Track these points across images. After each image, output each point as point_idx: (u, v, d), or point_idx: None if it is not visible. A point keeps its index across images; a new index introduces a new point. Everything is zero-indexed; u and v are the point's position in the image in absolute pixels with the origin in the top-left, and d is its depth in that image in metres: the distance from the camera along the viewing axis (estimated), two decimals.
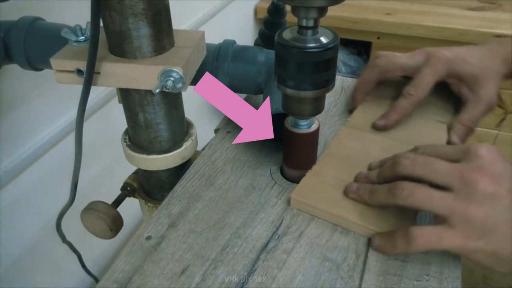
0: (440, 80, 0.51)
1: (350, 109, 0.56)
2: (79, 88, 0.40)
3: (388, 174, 0.39)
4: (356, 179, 0.43)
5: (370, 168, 0.44)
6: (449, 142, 0.48)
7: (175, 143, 0.49)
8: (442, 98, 0.54)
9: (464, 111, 0.50)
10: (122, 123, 0.49)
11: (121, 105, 0.47)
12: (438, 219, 0.36)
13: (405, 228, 0.37)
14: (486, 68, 0.50)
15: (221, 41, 0.51)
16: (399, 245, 0.36)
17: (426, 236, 0.35)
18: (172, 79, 0.40)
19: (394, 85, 0.54)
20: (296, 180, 0.45)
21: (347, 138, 0.50)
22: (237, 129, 0.54)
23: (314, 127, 0.43)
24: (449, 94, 0.54)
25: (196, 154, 0.52)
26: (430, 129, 0.50)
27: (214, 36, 0.69)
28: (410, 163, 0.37)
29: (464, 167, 0.35)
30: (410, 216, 0.39)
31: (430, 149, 0.39)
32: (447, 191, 0.35)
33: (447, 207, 0.35)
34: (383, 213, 0.40)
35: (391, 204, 0.38)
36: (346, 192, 0.42)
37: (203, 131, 0.66)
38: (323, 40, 0.37)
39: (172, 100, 0.46)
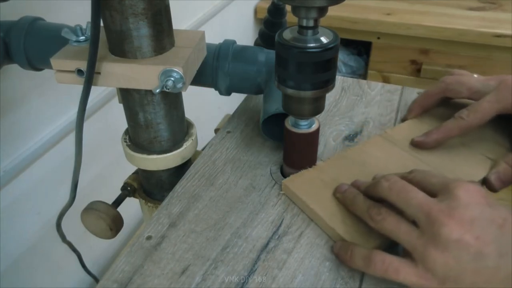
0: (507, 112, 0.45)
1: (403, 119, 0.54)
2: (79, 88, 0.40)
3: (372, 192, 0.38)
4: (351, 184, 0.42)
5: (373, 180, 0.43)
6: (485, 179, 0.44)
7: (175, 143, 0.49)
8: (503, 134, 0.48)
9: None
10: (122, 123, 0.49)
11: (121, 105, 0.47)
12: (404, 252, 0.35)
13: (371, 245, 0.37)
14: None
15: (221, 41, 0.51)
16: (357, 262, 0.35)
17: (385, 264, 0.34)
18: (172, 79, 0.40)
19: (457, 110, 0.47)
20: None
21: (373, 146, 0.48)
22: (237, 129, 0.54)
23: (314, 127, 0.43)
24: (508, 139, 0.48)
25: (196, 154, 0.52)
26: (471, 162, 0.45)
27: (214, 36, 0.69)
28: (387, 187, 0.36)
29: (435, 205, 0.33)
30: (384, 236, 0.37)
31: (418, 175, 0.37)
32: (415, 226, 0.34)
33: (411, 242, 0.33)
34: (358, 224, 0.39)
35: (364, 221, 0.37)
36: (334, 191, 0.42)
37: (203, 131, 0.66)
38: (324, 40, 0.37)
39: (172, 100, 0.46)
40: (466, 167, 0.45)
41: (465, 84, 0.48)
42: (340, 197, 0.41)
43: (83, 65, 0.40)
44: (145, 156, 0.47)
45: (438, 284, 0.32)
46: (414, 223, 0.34)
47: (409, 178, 0.37)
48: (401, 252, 0.36)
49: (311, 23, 0.36)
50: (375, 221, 0.36)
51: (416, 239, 0.33)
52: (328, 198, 0.42)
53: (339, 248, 0.38)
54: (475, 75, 0.50)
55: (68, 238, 0.58)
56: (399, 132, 0.50)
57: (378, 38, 1.40)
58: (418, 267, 0.32)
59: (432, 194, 0.35)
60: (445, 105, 0.52)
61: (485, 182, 0.44)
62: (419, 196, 0.34)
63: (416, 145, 0.47)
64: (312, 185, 0.43)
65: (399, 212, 0.35)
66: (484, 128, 0.47)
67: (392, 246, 0.37)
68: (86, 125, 0.43)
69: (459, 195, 0.33)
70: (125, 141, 0.50)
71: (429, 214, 0.33)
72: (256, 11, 1.49)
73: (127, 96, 0.45)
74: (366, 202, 0.38)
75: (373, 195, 0.38)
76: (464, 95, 0.49)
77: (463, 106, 0.47)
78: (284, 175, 0.47)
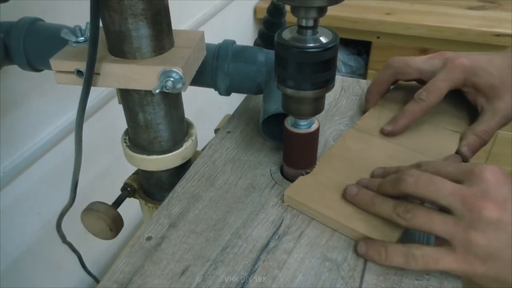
0: (455, 88, 0.49)
1: (364, 111, 0.55)
2: (78, 89, 0.40)
3: (390, 190, 0.38)
4: (358, 184, 0.42)
5: (373, 176, 0.43)
6: (458, 151, 0.47)
7: (175, 143, 0.49)
8: (457, 107, 0.52)
9: (478, 122, 0.48)
10: (122, 124, 0.49)
11: (121, 105, 0.47)
12: (439, 240, 0.35)
13: (395, 237, 0.37)
14: (506, 79, 0.47)
15: (221, 41, 0.51)
16: (395, 260, 0.36)
17: (425, 258, 0.35)
18: (172, 79, 0.40)
19: (410, 91, 0.51)
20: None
21: (353, 140, 0.49)
22: (237, 129, 0.54)
23: (314, 127, 0.43)
24: (465, 103, 0.52)
25: (196, 154, 0.52)
26: (441, 138, 0.49)
27: (214, 36, 0.69)
28: (413, 181, 0.36)
29: (467, 192, 0.34)
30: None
31: (432, 166, 0.38)
32: (449, 214, 0.35)
33: (448, 231, 0.34)
34: (375, 219, 0.39)
35: (392, 221, 0.38)
36: (344, 195, 0.41)
37: (203, 131, 0.66)
38: (323, 40, 0.37)
39: (172, 100, 0.46)
40: (439, 143, 0.48)
41: (412, 66, 0.52)
42: (353, 201, 0.41)
43: (82, 66, 0.40)
44: (145, 156, 0.47)
45: (480, 264, 0.33)
46: (442, 211, 0.35)
47: (423, 170, 0.38)
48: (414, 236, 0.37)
49: (310, 23, 0.36)
50: (406, 220, 0.36)
51: (453, 226, 0.34)
52: (334, 200, 0.41)
53: (367, 248, 0.37)
54: (414, 57, 0.53)
55: (68, 238, 0.58)
56: (369, 122, 0.52)
57: (378, 37, 1.40)
58: (458, 252, 0.34)
59: (455, 181, 0.36)
60: (396, 88, 0.55)
61: (457, 154, 0.47)
62: (448, 185, 0.35)
63: (388, 134, 0.49)
64: (314, 190, 0.43)
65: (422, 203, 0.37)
66: (440, 104, 0.50)
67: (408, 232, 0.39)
68: (86, 126, 0.43)
69: (488, 178, 0.34)
70: (125, 142, 0.50)
71: (464, 201, 0.34)
72: (255, 11, 1.49)
73: (127, 97, 0.45)
74: (389, 202, 0.38)
75: (393, 193, 0.38)
76: (413, 76, 0.52)
77: (413, 86, 0.52)
78: (284, 175, 0.47)
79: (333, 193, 0.42)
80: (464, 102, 0.52)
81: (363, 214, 0.40)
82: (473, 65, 0.48)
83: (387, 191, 0.39)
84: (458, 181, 0.36)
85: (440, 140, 0.49)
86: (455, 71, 0.48)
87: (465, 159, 0.47)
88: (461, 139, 0.48)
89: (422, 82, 0.52)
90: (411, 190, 0.36)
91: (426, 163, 0.39)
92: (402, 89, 0.55)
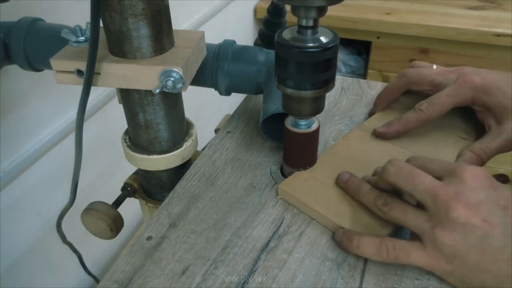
0: (462, 105, 0.47)
1: (371, 113, 0.55)
2: (79, 89, 0.40)
3: (381, 182, 0.39)
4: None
5: (375, 174, 0.43)
6: None
7: (175, 143, 0.49)
8: (469, 113, 0.50)
9: (479, 140, 0.47)
10: (122, 123, 0.49)
11: (121, 105, 0.47)
12: (413, 235, 0.36)
13: (379, 234, 0.37)
14: None
15: (221, 41, 0.51)
16: (366, 250, 0.36)
17: (396, 250, 0.35)
18: (172, 79, 0.40)
19: (425, 97, 0.49)
20: None
21: (356, 140, 0.49)
22: (237, 129, 0.54)
23: (314, 126, 0.43)
24: (476, 118, 0.50)
25: (196, 154, 0.52)
26: (449, 144, 0.48)
27: (214, 36, 0.69)
28: (394, 171, 0.37)
29: (441, 190, 0.34)
30: (392, 226, 0.38)
31: (418, 162, 0.38)
32: (423, 210, 0.35)
33: (419, 226, 0.35)
34: (364, 217, 0.39)
35: (372, 211, 0.39)
36: (336, 180, 0.43)
37: (203, 131, 0.66)
38: (323, 39, 0.37)
39: (172, 100, 0.46)
40: (445, 149, 0.47)
41: (426, 78, 0.50)
42: (343, 186, 0.42)
43: (82, 66, 0.40)
44: (145, 156, 0.47)
45: (446, 263, 0.34)
46: (421, 206, 0.35)
47: (411, 164, 0.38)
48: (405, 236, 0.38)
49: (310, 23, 0.36)
50: (383, 212, 0.37)
51: (424, 222, 0.34)
52: (328, 196, 0.42)
53: (342, 235, 0.38)
54: (435, 66, 0.52)
55: (69, 238, 0.58)
56: (376, 123, 0.51)
57: (378, 37, 1.40)
58: (427, 248, 0.34)
59: (437, 178, 0.36)
60: (412, 94, 0.54)
61: None
62: (426, 180, 0.35)
63: (378, 135, 0.49)
64: (308, 186, 0.43)
65: (406, 196, 0.37)
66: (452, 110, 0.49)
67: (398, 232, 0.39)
68: (86, 126, 0.43)
69: (466, 179, 0.34)
70: (125, 142, 0.50)
71: (436, 198, 0.34)
72: (256, 11, 1.49)
73: (127, 97, 0.45)
74: (372, 192, 0.39)
75: (382, 183, 0.39)
76: (426, 88, 0.51)
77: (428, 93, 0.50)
78: (284, 175, 0.47)
79: (328, 189, 0.42)
80: (475, 117, 0.50)
81: (354, 212, 0.40)
82: (486, 83, 0.46)
83: (380, 185, 0.39)
84: (439, 178, 0.36)
85: (446, 146, 0.48)
86: (464, 87, 0.47)
87: None
88: (458, 155, 0.47)
89: None
90: (392, 180, 0.37)
91: (415, 158, 0.39)
92: (417, 94, 0.53)
